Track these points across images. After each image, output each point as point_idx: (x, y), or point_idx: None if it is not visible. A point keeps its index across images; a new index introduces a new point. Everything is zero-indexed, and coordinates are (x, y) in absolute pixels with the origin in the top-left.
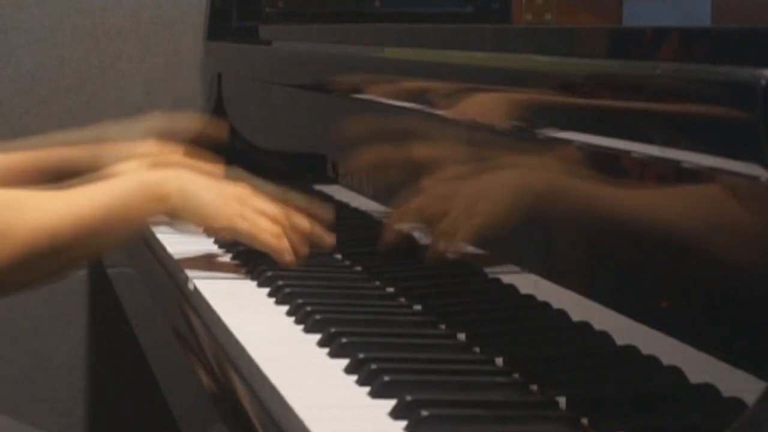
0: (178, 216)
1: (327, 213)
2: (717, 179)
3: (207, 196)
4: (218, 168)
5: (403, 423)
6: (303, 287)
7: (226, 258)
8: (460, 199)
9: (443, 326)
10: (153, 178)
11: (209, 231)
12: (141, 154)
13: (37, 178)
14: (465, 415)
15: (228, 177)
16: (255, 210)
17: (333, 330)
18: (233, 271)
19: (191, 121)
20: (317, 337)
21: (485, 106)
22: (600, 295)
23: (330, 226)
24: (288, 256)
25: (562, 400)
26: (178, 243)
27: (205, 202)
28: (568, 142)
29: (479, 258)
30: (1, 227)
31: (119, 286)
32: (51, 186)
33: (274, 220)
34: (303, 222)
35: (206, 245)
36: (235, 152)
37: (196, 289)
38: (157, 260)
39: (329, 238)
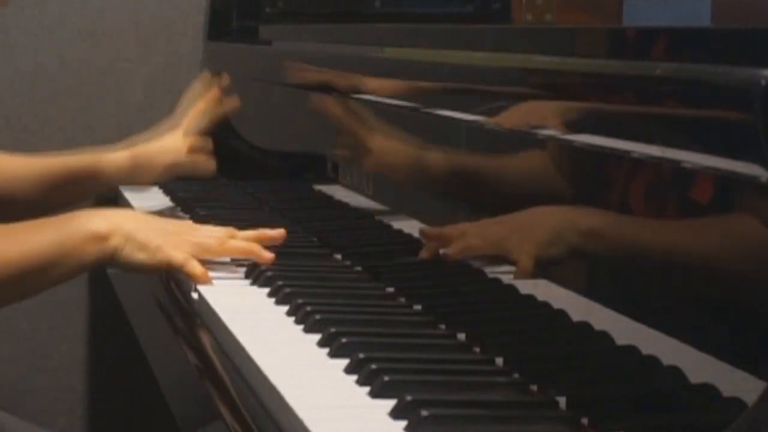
0: (120, 257)
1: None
2: (717, 179)
3: (147, 235)
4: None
5: (403, 423)
6: (303, 287)
7: (226, 258)
8: (460, 199)
9: (443, 326)
10: (95, 219)
11: (151, 271)
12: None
13: (66, 180)
14: (465, 415)
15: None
16: (197, 238)
17: (333, 330)
18: (233, 272)
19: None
20: (317, 337)
21: (485, 106)
22: (600, 295)
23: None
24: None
25: (562, 400)
26: None
27: (146, 240)
28: (568, 142)
29: (479, 258)
30: None
31: (119, 286)
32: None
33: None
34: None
35: None
36: (235, 152)
37: (196, 289)
38: None
39: (267, 255)
